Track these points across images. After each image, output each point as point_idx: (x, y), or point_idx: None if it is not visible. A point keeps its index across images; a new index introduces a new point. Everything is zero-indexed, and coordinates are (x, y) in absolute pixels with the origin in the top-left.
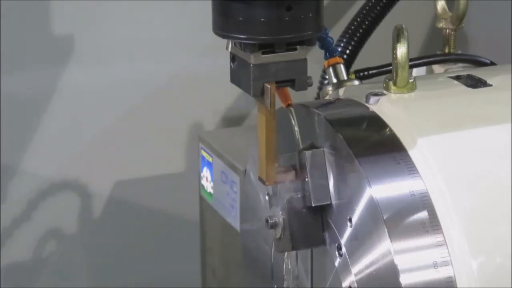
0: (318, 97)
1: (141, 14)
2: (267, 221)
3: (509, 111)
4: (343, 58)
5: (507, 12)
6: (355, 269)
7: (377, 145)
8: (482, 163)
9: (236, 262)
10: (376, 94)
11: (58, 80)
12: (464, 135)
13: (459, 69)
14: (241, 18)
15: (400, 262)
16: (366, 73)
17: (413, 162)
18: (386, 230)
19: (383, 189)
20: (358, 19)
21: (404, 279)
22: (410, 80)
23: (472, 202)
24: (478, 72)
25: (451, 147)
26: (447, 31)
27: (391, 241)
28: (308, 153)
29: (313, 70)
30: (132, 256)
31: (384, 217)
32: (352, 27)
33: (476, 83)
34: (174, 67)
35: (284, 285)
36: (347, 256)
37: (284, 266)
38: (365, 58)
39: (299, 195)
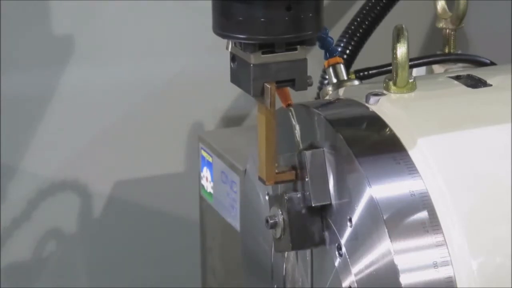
0: (318, 97)
1: (141, 14)
2: (267, 221)
3: (509, 111)
4: (343, 58)
5: (507, 12)
6: (355, 269)
7: (377, 145)
8: (482, 163)
9: (236, 262)
10: (376, 94)
11: (58, 80)
12: (464, 135)
13: (459, 69)
14: (241, 18)
15: (400, 262)
16: (366, 73)
17: (413, 162)
18: (386, 230)
19: (383, 189)
20: (358, 19)
21: (404, 279)
22: (410, 80)
23: (472, 202)
24: (478, 72)
25: (451, 147)
26: (447, 31)
27: (391, 241)
28: (308, 153)
29: (313, 70)
30: (132, 256)
31: (384, 217)
32: (352, 27)
33: (476, 83)
34: (174, 67)
35: (284, 285)
36: (347, 256)
37: (284, 266)
38: (365, 58)
39: (299, 195)
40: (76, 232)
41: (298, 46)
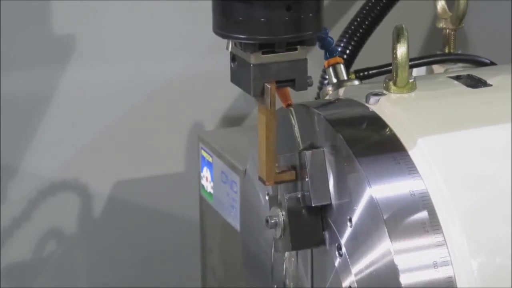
0: (318, 97)
1: (141, 14)
2: (267, 221)
3: (509, 111)
4: (343, 58)
5: (507, 12)
6: (355, 269)
7: (377, 145)
8: (482, 163)
9: (236, 262)
10: (376, 94)
11: (58, 80)
12: (464, 135)
13: (459, 69)
14: (241, 18)
15: (400, 262)
16: (366, 73)
17: (413, 162)
18: (386, 230)
19: (383, 189)
20: (358, 19)
21: (404, 279)
22: (410, 80)
23: (472, 202)
24: (478, 72)
25: (451, 147)
26: (447, 31)
27: (391, 241)
28: (308, 153)
29: (313, 70)
30: (132, 256)
31: (384, 217)
32: (352, 27)
33: (476, 83)
34: (174, 67)
35: (284, 285)
36: (347, 256)
37: (284, 266)
38: (365, 58)
39: (299, 195)
40: (76, 232)
41: (298, 46)
